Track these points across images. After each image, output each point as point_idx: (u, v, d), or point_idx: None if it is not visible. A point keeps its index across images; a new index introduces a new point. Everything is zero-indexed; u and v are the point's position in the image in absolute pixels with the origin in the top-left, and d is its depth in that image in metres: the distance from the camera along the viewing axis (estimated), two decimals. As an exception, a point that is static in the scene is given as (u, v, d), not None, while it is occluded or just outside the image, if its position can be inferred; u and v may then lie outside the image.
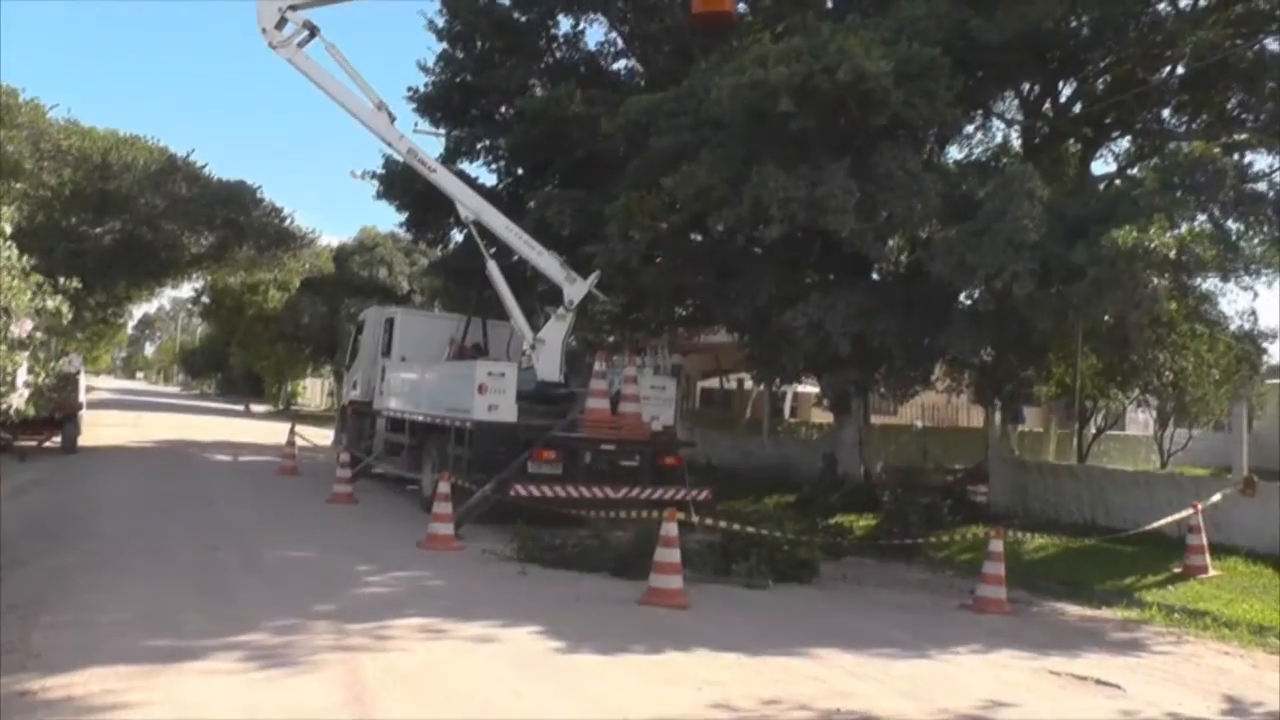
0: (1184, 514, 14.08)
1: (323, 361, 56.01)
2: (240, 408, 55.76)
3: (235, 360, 66.90)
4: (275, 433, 29.47)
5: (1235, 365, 17.49)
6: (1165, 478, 17.48)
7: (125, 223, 28.70)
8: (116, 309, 40.00)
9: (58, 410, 21.48)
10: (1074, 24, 15.28)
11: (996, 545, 11.91)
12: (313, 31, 17.99)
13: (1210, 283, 15.41)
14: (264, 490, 19.32)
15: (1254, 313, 17.31)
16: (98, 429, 29.47)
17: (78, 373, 23.80)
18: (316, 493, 18.15)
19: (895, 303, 15.51)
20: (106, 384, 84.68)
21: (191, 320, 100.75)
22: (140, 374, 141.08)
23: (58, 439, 23.78)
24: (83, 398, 24.59)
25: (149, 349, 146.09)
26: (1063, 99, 18.29)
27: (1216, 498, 14.75)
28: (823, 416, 27.66)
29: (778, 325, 15.82)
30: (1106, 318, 13.51)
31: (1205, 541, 13.73)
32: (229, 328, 59.48)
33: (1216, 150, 14.16)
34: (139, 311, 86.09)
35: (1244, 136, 16.79)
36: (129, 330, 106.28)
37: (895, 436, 24.70)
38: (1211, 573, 13.48)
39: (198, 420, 42.30)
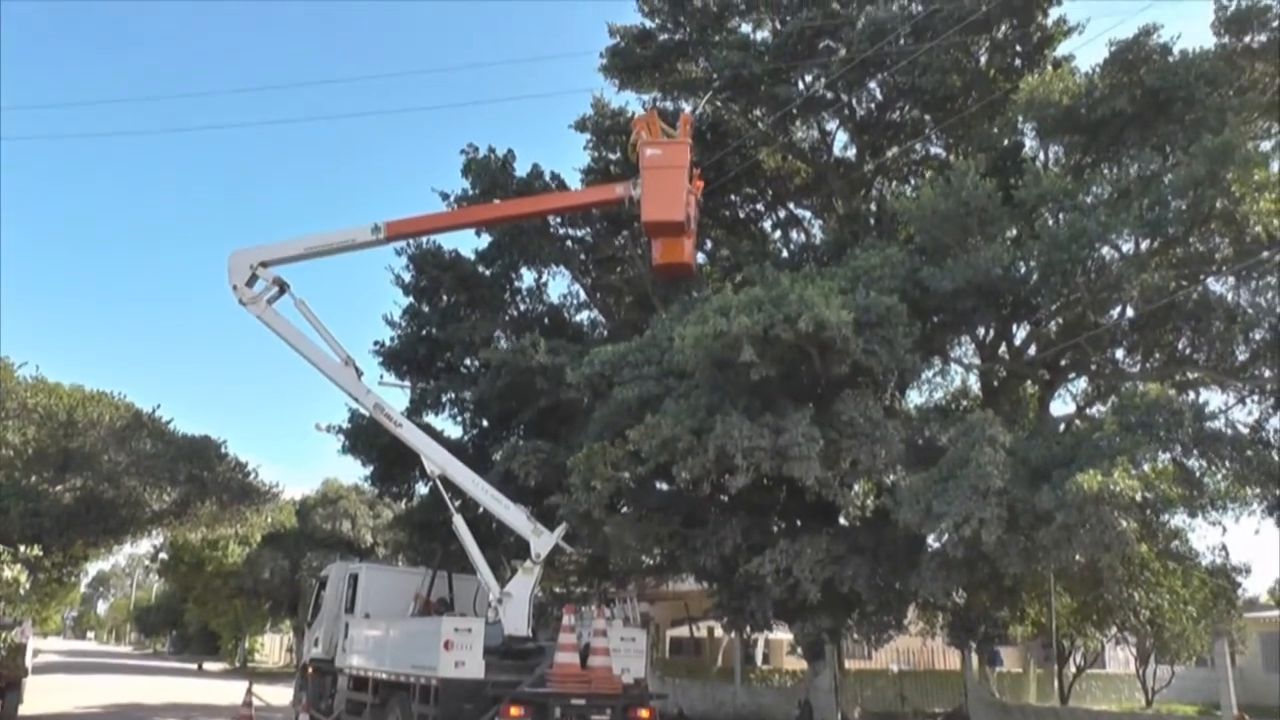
0: (1176, 759, 13.69)
1: (282, 617, 54.51)
2: (194, 666, 53.87)
3: (191, 616, 64.98)
4: (231, 692, 28.34)
5: (1212, 600, 17.37)
6: (1153, 718, 17.08)
7: (87, 480, 28.49)
8: (71, 568, 39.15)
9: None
10: (1022, 270, 15.74)
11: (985, 800, 11.48)
12: (282, 288, 18.26)
13: (1178, 519, 15.44)
14: (217, 759, 18.44)
15: (1224, 547, 17.29)
16: (42, 695, 28.23)
17: (26, 639, 22.98)
18: (273, 760, 17.35)
19: (863, 547, 15.43)
20: (55, 645, 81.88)
21: (148, 577, 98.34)
22: (91, 633, 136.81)
23: (-3, 709, 22.74)
24: (29, 663, 23.65)
25: (102, 607, 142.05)
26: (1017, 342, 18.73)
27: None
28: (796, 663, 27.10)
29: (745, 573, 15.65)
30: (1078, 557, 13.42)
31: (1204, 787, 13.31)
32: (187, 584, 58.06)
33: (1172, 391, 14.45)
34: (94, 568, 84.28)
35: (1196, 375, 17.15)
36: (81, 588, 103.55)
37: (871, 680, 24.17)
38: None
39: (149, 681, 40.68)
